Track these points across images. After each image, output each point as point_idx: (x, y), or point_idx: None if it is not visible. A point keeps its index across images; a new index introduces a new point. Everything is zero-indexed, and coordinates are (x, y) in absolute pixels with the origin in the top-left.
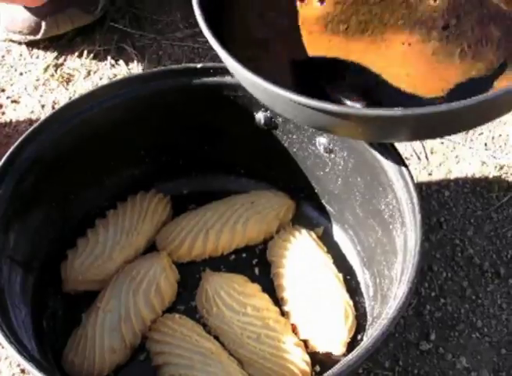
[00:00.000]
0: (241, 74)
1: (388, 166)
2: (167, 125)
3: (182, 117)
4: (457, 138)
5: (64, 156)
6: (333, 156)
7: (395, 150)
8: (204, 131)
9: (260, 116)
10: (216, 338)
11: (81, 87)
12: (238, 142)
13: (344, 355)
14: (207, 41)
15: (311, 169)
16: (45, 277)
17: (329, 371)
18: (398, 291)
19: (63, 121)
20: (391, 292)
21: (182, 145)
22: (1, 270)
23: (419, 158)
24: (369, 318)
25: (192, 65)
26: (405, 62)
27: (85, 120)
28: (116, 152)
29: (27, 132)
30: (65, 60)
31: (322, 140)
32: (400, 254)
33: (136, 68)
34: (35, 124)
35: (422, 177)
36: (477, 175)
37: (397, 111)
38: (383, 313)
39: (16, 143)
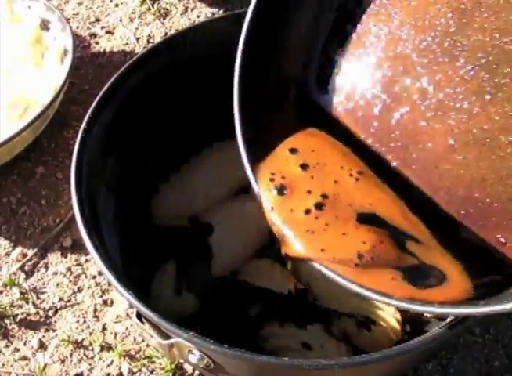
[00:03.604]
0: None
1: None
2: None
3: None
4: None
5: (164, 87)
6: None
7: None
8: None
9: None
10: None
11: (178, 23)
12: None
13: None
14: None
15: None
16: (136, 210)
17: (436, 329)
18: None
19: (169, 52)
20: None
21: None
22: (99, 197)
23: None
24: None
25: None
26: None
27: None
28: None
29: (133, 59)
30: None
31: None
32: None
33: (236, 8)
34: (142, 51)
35: None
36: None
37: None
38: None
39: (121, 70)
